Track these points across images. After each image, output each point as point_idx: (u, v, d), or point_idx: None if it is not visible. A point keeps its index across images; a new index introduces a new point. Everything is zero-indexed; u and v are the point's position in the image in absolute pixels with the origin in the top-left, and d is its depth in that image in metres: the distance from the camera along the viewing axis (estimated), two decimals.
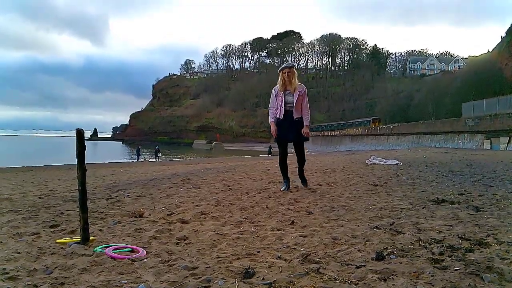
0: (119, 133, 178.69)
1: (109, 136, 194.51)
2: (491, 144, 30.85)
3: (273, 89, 6.26)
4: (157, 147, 44.78)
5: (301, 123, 6.15)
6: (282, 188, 6.24)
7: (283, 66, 6.19)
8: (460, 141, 35.34)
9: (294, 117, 6.10)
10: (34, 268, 2.45)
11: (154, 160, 39.11)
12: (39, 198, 6.09)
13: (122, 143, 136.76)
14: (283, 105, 6.08)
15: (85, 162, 3.11)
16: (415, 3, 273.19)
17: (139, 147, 45.82)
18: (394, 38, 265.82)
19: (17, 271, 2.39)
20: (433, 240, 3.01)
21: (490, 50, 74.45)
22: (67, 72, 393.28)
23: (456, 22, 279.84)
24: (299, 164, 6.59)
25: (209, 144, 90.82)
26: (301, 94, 6.07)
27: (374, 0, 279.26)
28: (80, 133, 3.06)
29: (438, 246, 2.84)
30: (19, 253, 2.80)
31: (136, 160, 39.22)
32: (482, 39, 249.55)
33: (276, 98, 6.18)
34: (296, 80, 6.09)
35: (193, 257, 2.75)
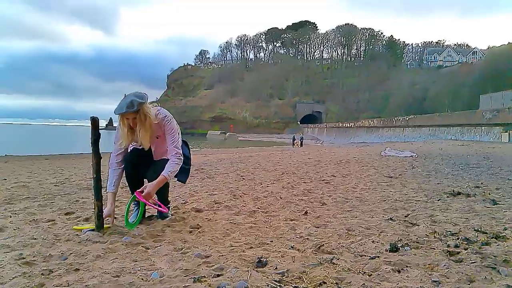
0: None
1: None
2: (509, 137, 30.25)
3: None
4: None
5: None
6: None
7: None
8: (477, 134, 34.70)
9: None
10: (50, 254, 2.49)
11: None
12: (55, 186, 6.18)
13: None
14: None
15: (100, 151, 3.13)
16: None
17: None
18: (410, 28, 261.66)
19: (33, 257, 2.43)
20: (448, 233, 2.98)
21: (511, 42, 73.01)
22: (78, 62, 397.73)
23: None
24: None
25: (223, 135, 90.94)
26: None
27: None
28: (94, 121, 3.07)
29: (453, 239, 2.81)
30: (35, 239, 2.85)
31: None
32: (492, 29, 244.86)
33: None
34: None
35: (206, 245, 2.76)
